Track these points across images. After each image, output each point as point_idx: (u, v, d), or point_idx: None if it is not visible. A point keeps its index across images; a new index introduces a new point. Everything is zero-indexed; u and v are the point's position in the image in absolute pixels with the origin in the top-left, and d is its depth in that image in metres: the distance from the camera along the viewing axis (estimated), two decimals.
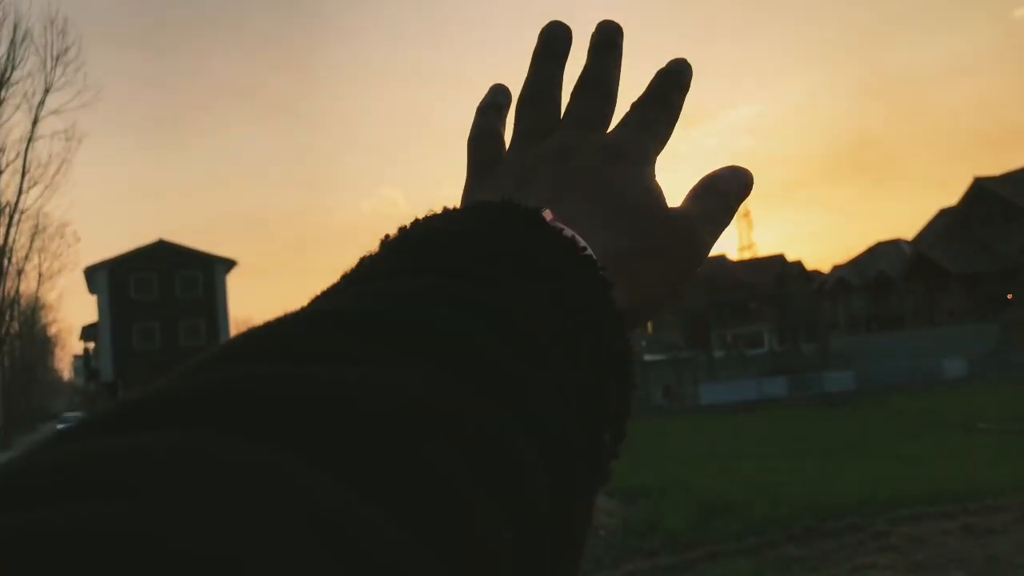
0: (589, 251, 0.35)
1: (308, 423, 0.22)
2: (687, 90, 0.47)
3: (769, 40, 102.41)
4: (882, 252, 54.96)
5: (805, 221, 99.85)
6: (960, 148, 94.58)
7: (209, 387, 0.23)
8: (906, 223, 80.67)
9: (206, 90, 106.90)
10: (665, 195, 0.42)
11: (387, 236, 0.35)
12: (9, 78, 36.89)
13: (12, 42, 36.86)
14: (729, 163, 0.46)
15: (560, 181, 0.42)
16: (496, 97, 0.50)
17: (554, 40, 0.49)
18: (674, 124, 0.46)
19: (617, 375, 0.33)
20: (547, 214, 0.36)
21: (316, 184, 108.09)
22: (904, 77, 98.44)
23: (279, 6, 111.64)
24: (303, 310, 0.29)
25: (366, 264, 0.34)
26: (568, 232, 0.35)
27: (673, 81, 0.47)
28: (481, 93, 0.51)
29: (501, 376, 0.27)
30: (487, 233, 0.34)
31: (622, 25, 0.48)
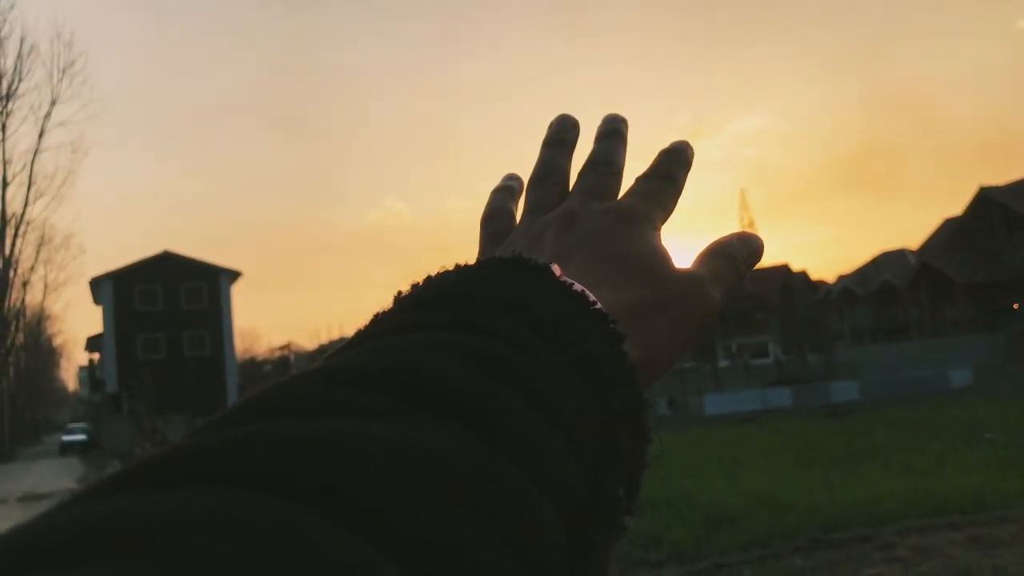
0: (599, 304, 0.35)
1: (329, 480, 0.22)
2: (690, 167, 0.49)
3: (774, 52, 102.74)
4: (887, 262, 54.83)
5: (810, 231, 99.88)
6: (965, 157, 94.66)
7: (228, 445, 0.23)
8: (911, 233, 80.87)
9: (212, 102, 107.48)
10: (672, 258, 0.43)
11: (400, 292, 0.36)
12: (16, 91, 37.15)
13: (19, 55, 37.18)
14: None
15: (566, 242, 0.43)
16: (508, 181, 0.53)
17: (563, 129, 0.52)
18: (678, 197, 0.48)
19: (631, 428, 0.33)
20: (556, 269, 0.36)
21: (321, 195, 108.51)
22: (908, 87, 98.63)
23: (285, 19, 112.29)
24: (320, 366, 0.29)
25: (380, 320, 0.34)
26: (577, 286, 0.36)
27: (677, 158, 0.49)
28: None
29: (516, 431, 0.27)
30: (499, 287, 0.34)
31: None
